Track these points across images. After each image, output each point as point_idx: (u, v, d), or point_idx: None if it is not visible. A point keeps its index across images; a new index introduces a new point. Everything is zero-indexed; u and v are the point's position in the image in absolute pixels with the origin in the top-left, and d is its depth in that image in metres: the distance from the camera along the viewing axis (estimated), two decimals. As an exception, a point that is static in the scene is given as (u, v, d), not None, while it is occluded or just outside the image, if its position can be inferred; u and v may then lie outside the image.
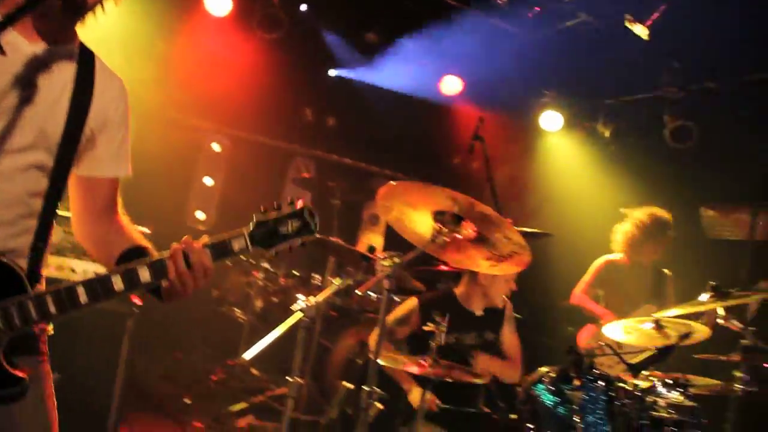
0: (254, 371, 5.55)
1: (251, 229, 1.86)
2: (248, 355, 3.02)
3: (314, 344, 5.13)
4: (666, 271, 5.50)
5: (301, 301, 2.95)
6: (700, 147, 6.59)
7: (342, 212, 5.91)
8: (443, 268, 5.27)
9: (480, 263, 3.10)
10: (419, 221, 2.99)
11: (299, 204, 1.92)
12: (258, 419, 5.04)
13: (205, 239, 1.83)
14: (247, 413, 5.07)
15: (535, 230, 4.70)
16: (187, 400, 5.14)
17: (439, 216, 2.87)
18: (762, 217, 6.73)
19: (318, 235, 1.94)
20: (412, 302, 4.15)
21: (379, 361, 3.39)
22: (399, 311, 4.18)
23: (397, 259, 2.61)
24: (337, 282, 3.00)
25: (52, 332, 1.87)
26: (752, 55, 5.83)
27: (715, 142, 6.54)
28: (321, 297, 2.95)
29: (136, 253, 1.88)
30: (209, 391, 5.41)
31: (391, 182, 2.85)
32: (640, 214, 5.43)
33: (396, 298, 4.95)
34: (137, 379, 5.30)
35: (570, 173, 7.40)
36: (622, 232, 5.47)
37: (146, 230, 3.44)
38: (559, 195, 7.32)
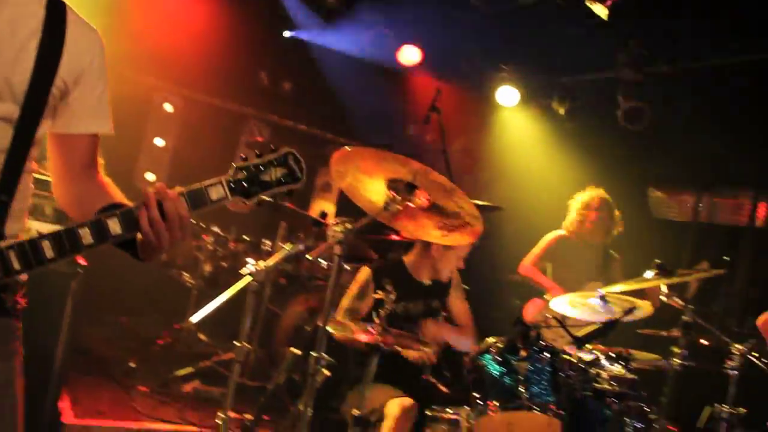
0: (201, 336, 5.50)
1: (230, 176, 1.73)
2: (195, 318, 2.98)
3: (263, 310, 5.10)
4: (614, 253, 5.62)
5: (251, 265, 2.91)
6: (651, 129, 6.70)
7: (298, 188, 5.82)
8: (395, 237, 5.28)
9: (432, 233, 3.10)
10: (372, 188, 2.96)
11: (283, 149, 1.78)
12: (204, 384, 5.01)
13: (179, 188, 1.70)
14: (194, 378, 5.02)
15: (487, 203, 4.74)
16: (133, 364, 5.06)
17: (392, 183, 2.85)
18: (705, 201, 6.91)
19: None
20: (365, 273, 4.11)
21: (327, 328, 3.40)
22: (355, 287, 4.10)
23: (348, 225, 2.59)
24: (287, 247, 2.96)
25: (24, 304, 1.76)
26: (708, 42, 5.92)
27: (666, 125, 6.65)
28: (271, 261, 2.92)
29: (113, 209, 1.71)
30: (155, 356, 5.34)
31: (346, 147, 2.81)
32: (586, 197, 5.53)
33: (346, 267, 4.94)
34: (81, 342, 5.22)
35: (523, 149, 7.46)
36: (570, 214, 5.58)
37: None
38: (512, 170, 7.39)
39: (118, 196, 1.88)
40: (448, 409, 3.46)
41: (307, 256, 4.13)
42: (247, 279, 2.86)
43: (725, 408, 3.85)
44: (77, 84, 1.78)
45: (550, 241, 5.60)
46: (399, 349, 3.30)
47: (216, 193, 1.71)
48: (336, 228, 2.58)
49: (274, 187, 1.78)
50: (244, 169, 1.74)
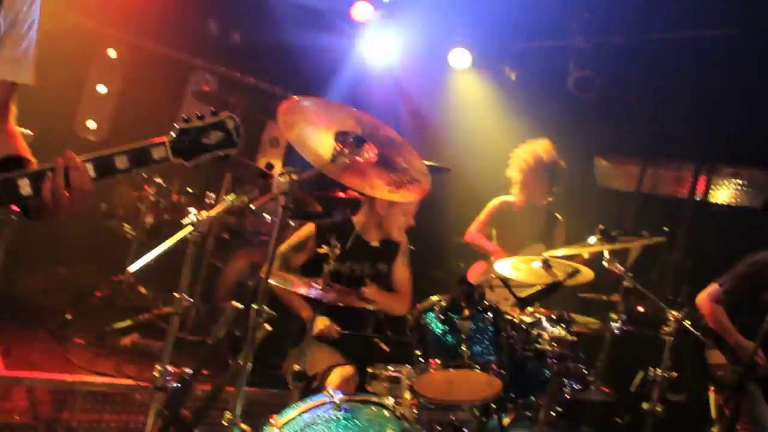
0: (142, 289, 5.38)
1: (173, 137, 1.77)
2: (132, 268, 2.88)
3: (205, 264, 5.01)
4: (558, 215, 5.66)
5: (193, 215, 2.83)
6: (600, 99, 6.75)
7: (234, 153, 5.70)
8: (342, 194, 5.23)
9: (380, 188, 3.06)
10: (320, 141, 2.90)
11: (223, 114, 1.84)
12: (142, 338, 4.91)
13: (128, 144, 1.73)
14: (132, 331, 4.92)
15: (435, 163, 4.71)
16: (69, 316, 4.92)
17: (341, 136, 2.79)
18: (649, 172, 7.03)
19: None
20: (308, 228, 4.08)
21: (270, 281, 3.35)
22: (295, 238, 4.11)
23: (294, 176, 2.53)
24: (230, 198, 2.88)
25: None
26: (660, 14, 5.97)
27: (615, 96, 6.71)
28: (213, 211, 2.84)
29: (15, 163, 1.75)
30: (93, 308, 5.20)
31: (294, 97, 2.74)
32: (526, 154, 5.52)
33: (292, 223, 4.88)
34: (14, 292, 5.06)
35: (474, 112, 7.45)
36: (512, 172, 5.57)
37: (28, 132, 3.19)
38: (462, 132, 7.37)
39: (22, 147, 1.87)
40: (389, 367, 3.47)
41: (251, 206, 4.06)
42: (188, 229, 2.78)
43: (658, 372, 3.95)
44: (9, 32, 1.77)
45: (494, 207, 5.63)
46: (341, 304, 3.27)
47: (158, 153, 1.77)
48: (281, 179, 2.52)
49: (213, 150, 1.84)
50: (187, 132, 1.80)
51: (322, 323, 3.96)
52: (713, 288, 4.38)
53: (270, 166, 3.53)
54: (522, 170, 5.50)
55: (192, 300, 2.81)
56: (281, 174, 2.52)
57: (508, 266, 4.19)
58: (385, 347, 3.98)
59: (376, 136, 2.79)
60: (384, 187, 3.05)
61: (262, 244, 5.27)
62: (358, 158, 2.82)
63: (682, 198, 6.75)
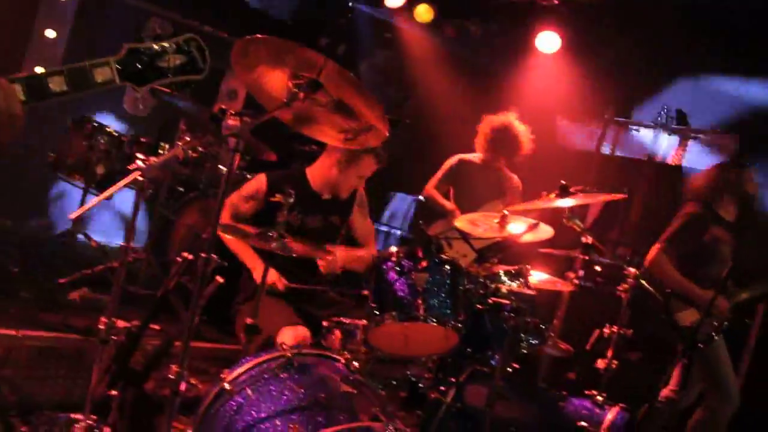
0: (93, 243, 5.21)
1: (121, 56, 1.56)
2: (74, 215, 2.75)
3: (157, 217, 4.87)
4: (515, 177, 5.66)
5: (140, 161, 2.70)
6: (564, 57, 6.70)
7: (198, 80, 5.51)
8: (299, 147, 5.12)
9: (334, 136, 2.95)
10: (275, 84, 2.77)
11: (186, 35, 1.63)
12: (92, 292, 4.76)
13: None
14: (81, 285, 4.77)
15: (395, 117, 4.62)
16: (15, 269, 4.75)
17: (296, 79, 2.66)
18: (610, 132, 7.04)
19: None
20: (260, 178, 3.98)
21: (223, 232, 3.24)
22: (246, 187, 4.01)
23: (247, 119, 2.40)
24: (181, 144, 2.75)
25: None
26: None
27: (578, 54, 6.67)
28: (163, 158, 2.71)
29: None
30: (40, 261, 5.03)
31: (248, 36, 2.60)
32: (493, 121, 5.51)
33: (247, 175, 4.76)
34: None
35: (436, 68, 7.35)
36: (477, 137, 5.56)
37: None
38: (423, 88, 7.28)
39: None
40: (344, 320, 3.40)
41: (199, 148, 3.93)
42: (135, 174, 2.65)
43: (614, 330, 3.96)
44: None
45: (451, 165, 5.61)
46: (295, 255, 3.18)
47: (102, 75, 1.55)
48: (231, 121, 2.39)
49: (171, 75, 1.63)
50: (138, 52, 1.59)
51: (270, 276, 3.88)
52: (656, 246, 4.44)
53: (223, 111, 3.37)
54: (485, 135, 5.50)
55: (137, 251, 2.69)
56: (231, 116, 2.39)
57: (466, 223, 4.13)
58: (340, 298, 3.92)
59: (332, 79, 2.67)
60: (340, 134, 2.94)
61: (216, 197, 5.12)
62: (313, 101, 2.70)
63: (641, 159, 6.77)
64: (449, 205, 5.42)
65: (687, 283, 4.37)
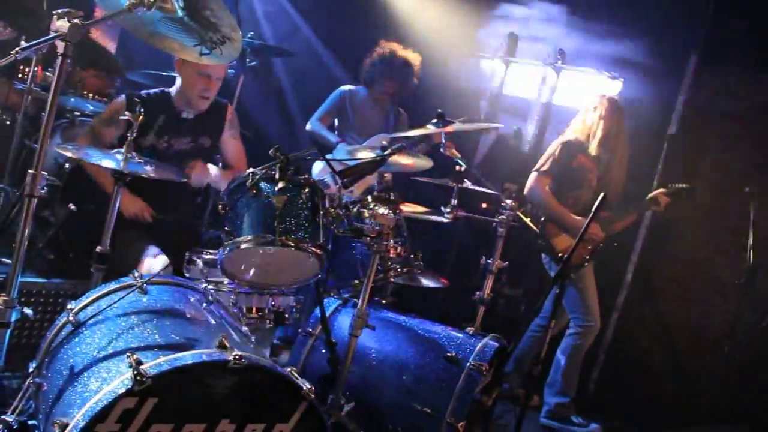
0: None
1: None
2: None
3: (17, 146, 4.51)
4: (401, 110, 5.58)
5: None
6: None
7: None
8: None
9: (190, 50, 2.75)
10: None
11: None
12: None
13: None
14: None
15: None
16: None
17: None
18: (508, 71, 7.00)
19: None
20: (119, 100, 3.75)
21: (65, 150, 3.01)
22: (106, 111, 3.80)
23: (77, 20, 2.16)
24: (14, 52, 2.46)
25: None
26: None
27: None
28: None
29: None
30: None
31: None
32: (383, 49, 5.39)
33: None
34: None
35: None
36: (364, 66, 5.44)
37: None
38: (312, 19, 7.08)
39: None
40: (207, 251, 3.26)
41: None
42: None
43: (491, 261, 3.96)
44: None
45: (338, 97, 5.46)
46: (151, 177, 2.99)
47: None
48: (59, 22, 2.15)
49: None
50: None
51: (134, 205, 3.70)
52: (532, 173, 4.71)
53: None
54: (372, 62, 5.37)
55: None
56: (60, 16, 2.15)
57: (345, 152, 4.02)
58: (201, 227, 3.79)
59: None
60: (195, 48, 2.74)
61: (84, 125, 4.79)
62: (161, 8, 2.47)
63: (531, 98, 6.78)
64: (334, 137, 5.28)
65: (561, 208, 4.60)
